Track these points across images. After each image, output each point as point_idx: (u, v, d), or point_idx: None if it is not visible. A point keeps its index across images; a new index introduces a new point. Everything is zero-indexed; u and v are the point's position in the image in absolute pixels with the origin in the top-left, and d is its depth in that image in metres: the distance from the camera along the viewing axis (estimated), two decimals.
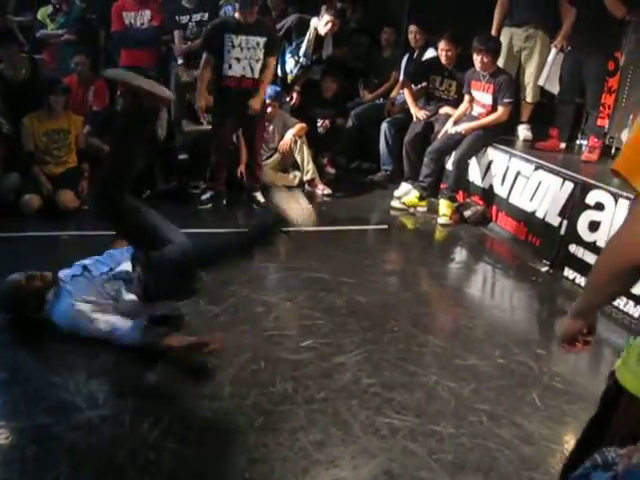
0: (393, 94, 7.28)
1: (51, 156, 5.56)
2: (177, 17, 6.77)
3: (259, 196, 5.91)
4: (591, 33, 5.34)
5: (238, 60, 5.49)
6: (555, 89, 5.93)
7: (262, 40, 5.55)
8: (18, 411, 2.74)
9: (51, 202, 5.38)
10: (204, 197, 5.89)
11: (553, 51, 5.85)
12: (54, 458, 2.45)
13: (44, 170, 5.51)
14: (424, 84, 6.56)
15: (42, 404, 2.78)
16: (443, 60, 6.23)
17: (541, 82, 5.99)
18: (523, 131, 6.28)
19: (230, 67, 5.51)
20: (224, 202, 5.93)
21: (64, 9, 7.15)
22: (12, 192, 5.44)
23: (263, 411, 2.82)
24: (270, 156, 6.60)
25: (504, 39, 6.03)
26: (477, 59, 5.69)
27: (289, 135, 6.47)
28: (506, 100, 5.67)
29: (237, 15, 5.54)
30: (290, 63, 7.10)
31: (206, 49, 5.66)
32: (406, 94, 6.63)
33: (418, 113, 6.43)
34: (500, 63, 5.92)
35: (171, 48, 7.08)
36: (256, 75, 5.58)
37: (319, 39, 6.61)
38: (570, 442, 2.77)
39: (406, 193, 6.20)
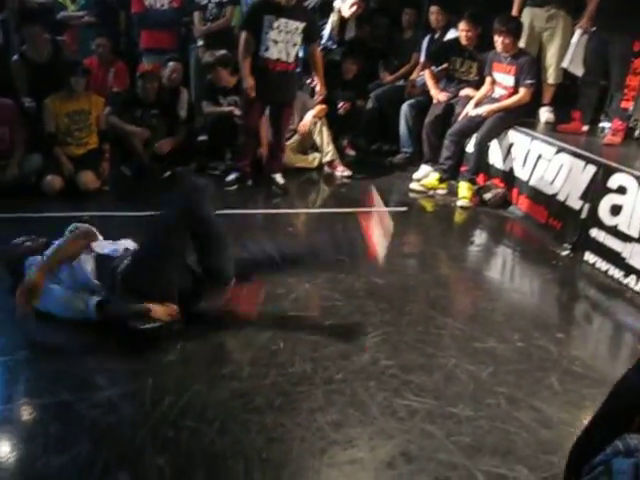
0: (413, 76, 7.23)
1: (72, 137, 5.59)
2: None
3: (279, 177, 5.91)
4: (616, 14, 5.24)
5: (275, 43, 5.43)
6: (579, 71, 5.84)
7: (301, 25, 5.49)
8: (41, 388, 2.78)
9: (72, 183, 5.42)
10: (230, 178, 5.90)
11: (578, 32, 5.75)
12: (76, 435, 2.48)
13: (65, 151, 5.55)
14: (445, 65, 6.51)
15: (64, 382, 2.81)
16: (463, 41, 6.18)
17: (565, 64, 5.90)
18: (545, 113, 6.21)
19: (267, 49, 5.44)
20: (249, 183, 5.94)
21: None
22: (34, 173, 5.49)
23: (281, 391, 2.84)
24: (289, 137, 6.59)
25: (525, 20, 5.95)
26: (498, 40, 5.63)
27: (309, 116, 6.45)
28: (528, 81, 5.61)
29: None
30: None
31: (245, 29, 5.57)
32: (427, 76, 6.58)
33: (439, 95, 6.39)
34: (521, 44, 5.84)
35: (191, 29, 7.08)
36: (291, 59, 5.53)
37: (343, 21, 6.57)
38: None
39: (426, 175, 6.17)
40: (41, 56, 5.93)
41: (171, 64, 6.42)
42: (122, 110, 6.04)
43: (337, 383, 2.92)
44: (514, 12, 6.03)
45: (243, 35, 5.53)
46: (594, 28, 5.60)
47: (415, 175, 6.24)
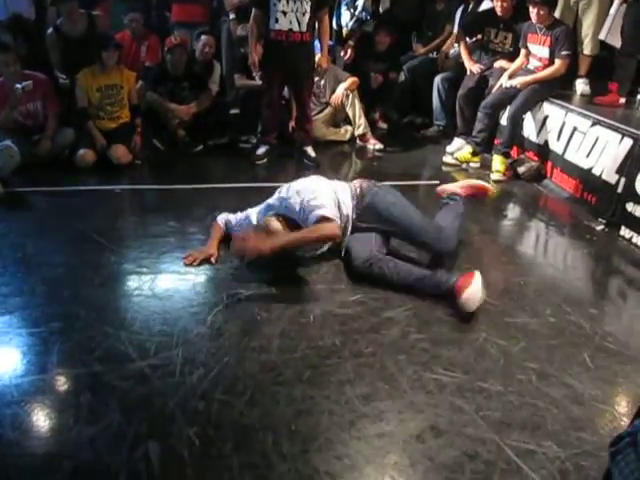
0: (446, 47, 7.13)
1: (104, 111, 5.62)
2: None
3: (310, 150, 5.89)
4: None
5: (284, 14, 5.37)
6: (617, 42, 5.70)
7: None
8: (74, 359, 2.82)
9: (104, 157, 5.46)
10: (259, 152, 5.90)
11: (616, 2, 5.61)
12: (107, 406, 2.52)
13: (98, 125, 5.59)
14: (479, 37, 6.40)
15: (96, 353, 2.85)
16: (499, 11, 6.06)
17: (602, 36, 5.76)
18: (581, 85, 6.09)
19: (277, 21, 5.40)
20: (274, 155, 5.93)
21: None
22: (67, 147, 5.54)
23: (311, 364, 2.85)
24: (321, 110, 6.56)
25: None
26: (533, 12, 5.51)
27: (341, 89, 6.41)
28: (564, 52, 5.49)
29: None
30: (345, 16, 7.02)
31: (254, 4, 5.58)
32: (460, 47, 6.48)
33: (472, 67, 6.29)
34: (556, 15, 5.72)
35: (222, 2, 7.03)
36: (303, 28, 5.44)
37: None
38: (621, 403, 2.74)
39: (459, 148, 6.10)
40: (76, 30, 5.95)
41: (204, 37, 6.39)
42: (154, 85, 6.05)
43: (366, 356, 2.92)
44: None
45: (253, 12, 5.55)
46: None
47: (448, 148, 6.17)
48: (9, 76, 5.27)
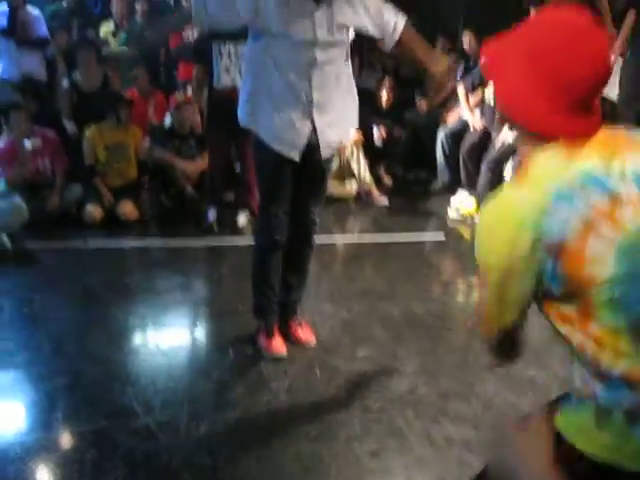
0: (449, 103, 7.23)
1: (111, 168, 5.68)
2: None
3: (241, 218, 5.57)
4: None
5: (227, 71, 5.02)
6: (614, 93, 5.82)
7: None
8: (79, 415, 2.80)
9: (112, 213, 5.50)
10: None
11: (613, 57, 5.73)
12: (112, 462, 2.49)
13: (105, 182, 5.64)
14: (480, 92, 6.49)
15: (102, 409, 2.84)
16: None
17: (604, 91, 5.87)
18: None
19: (219, 79, 5.03)
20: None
21: (125, 25, 7.33)
22: (75, 203, 5.59)
23: (318, 420, 2.82)
24: None
25: None
26: None
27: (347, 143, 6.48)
28: None
29: None
30: None
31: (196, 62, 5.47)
32: (463, 102, 6.57)
33: (475, 122, 6.37)
34: None
35: None
36: None
37: None
38: None
39: (463, 200, 6.13)
40: (90, 85, 6.07)
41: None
42: (161, 142, 6.12)
43: (374, 412, 2.90)
44: None
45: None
46: (630, 52, 5.59)
47: (452, 201, 6.20)
48: (19, 134, 5.36)
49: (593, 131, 1.34)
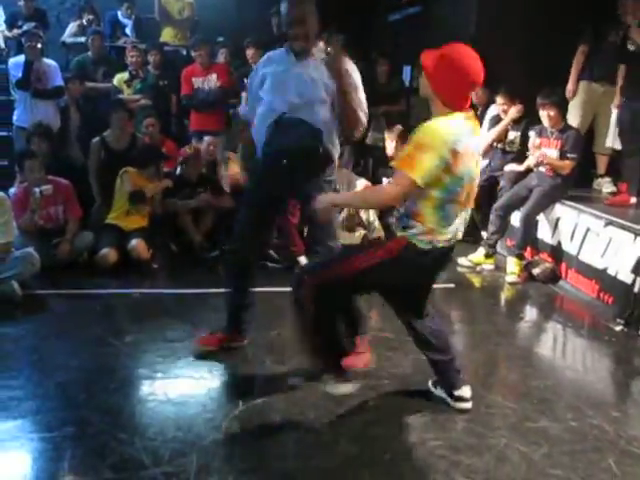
0: None
1: (126, 214, 5.79)
2: (245, 80, 6.97)
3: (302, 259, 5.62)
4: None
5: None
6: (617, 144, 5.92)
7: None
8: (85, 465, 2.77)
9: (124, 257, 5.52)
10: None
11: (613, 108, 5.91)
12: None
13: (118, 223, 5.73)
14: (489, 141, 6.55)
15: (108, 459, 2.80)
16: (502, 115, 6.30)
17: (609, 143, 6.04)
18: (605, 184, 6.30)
19: None
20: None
21: (140, 75, 7.46)
22: (86, 250, 5.64)
23: (328, 472, 2.78)
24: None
25: (581, 93, 6.25)
26: (543, 114, 5.68)
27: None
28: (570, 155, 5.61)
29: None
30: None
31: None
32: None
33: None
34: (576, 117, 6.10)
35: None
36: None
37: None
38: None
39: (473, 251, 6.13)
40: (120, 145, 6.29)
41: (207, 138, 6.72)
42: (172, 191, 6.18)
43: (384, 464, 2.86)
44: (570, 86, 6.32)
45: None
46: (624, 100, 5.74)
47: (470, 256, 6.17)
48: (33, 181, 5.44)
49: (468, 108, 2.93)
